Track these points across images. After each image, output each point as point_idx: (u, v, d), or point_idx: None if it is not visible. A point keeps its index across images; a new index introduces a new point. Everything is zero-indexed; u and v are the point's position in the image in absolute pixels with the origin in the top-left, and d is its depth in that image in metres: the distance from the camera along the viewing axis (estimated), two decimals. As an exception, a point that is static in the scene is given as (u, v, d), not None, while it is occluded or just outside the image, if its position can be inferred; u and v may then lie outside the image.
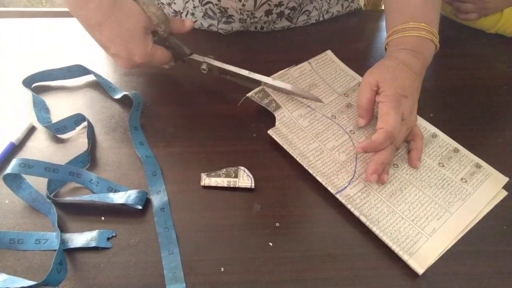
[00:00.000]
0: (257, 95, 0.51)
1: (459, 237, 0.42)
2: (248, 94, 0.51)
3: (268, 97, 0.52)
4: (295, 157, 0.47)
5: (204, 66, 0.54)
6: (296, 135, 0.49)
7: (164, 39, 0.53)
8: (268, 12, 0.63)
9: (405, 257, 0.40)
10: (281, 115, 0.51)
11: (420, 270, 0.39)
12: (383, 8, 0.97)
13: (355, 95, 0.56)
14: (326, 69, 0.59)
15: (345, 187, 0.45)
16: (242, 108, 0.53)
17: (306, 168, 0.46)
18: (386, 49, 0.54)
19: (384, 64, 0.50)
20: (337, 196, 0.44)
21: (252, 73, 0.52)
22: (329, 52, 0.61)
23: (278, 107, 0.51)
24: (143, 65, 0.52)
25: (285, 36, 0.67)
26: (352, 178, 0.46)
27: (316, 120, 0.51)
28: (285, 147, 0.47)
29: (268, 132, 0.49)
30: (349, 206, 0.43)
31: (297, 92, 0.51)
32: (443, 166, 0.48)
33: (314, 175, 0.45)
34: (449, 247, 0.41)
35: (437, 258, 0.40)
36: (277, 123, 0.50)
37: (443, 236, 0.42)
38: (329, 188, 0.44)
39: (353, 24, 0.71)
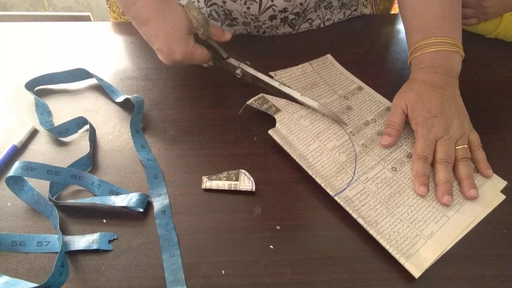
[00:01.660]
0: (256, 102, 0.52)
1: (457, 240, 0.42)
2: (248, 102, 0.52)
3: (267, 102, 0.52)
4: (294, 158, 0.47)
5: (238, 71, 0.55)
6: (296, 136, 0.49)
7: (203, 41, 0.55)
8: (272, 17, 0.64)
9: (402, 260, 0.40)
10: (281, 117, 0.51)
11: (416, 273, 0.39)
12: (391, 12, 0.98)
13: (354, 99, 0.56)
14: (327, 71, 0.60)
15: (344, 189, 0.45)
16: (243, 111, 0.53)
17: (306, 169, 0.46)
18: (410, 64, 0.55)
19: (408, 88, 0.51)
20: (336, 198, 0.44)
21: (282, 85, 0.53)
22: (329, 56, 0.62)
23: (278, 110, 0.51)
24: (183, 62, 0.54)
25: (286, 40, 0.67)
26: (351, 180, 0.46)
27: (317, 120, 0.52)
28: (285, 148, 0.48)
29: (269, 132, 0.49)
30: (347, 208, 0.43)
31: (323, 111, 0.51)
32: None
33: (313, 176, 0.45)
34: (446, 250, 0.41)
35: (434, 262, 0.40)
36: (277, 124, 0.50)
37: (441, 239, 0.42)
38: (328, 190, 0.44)
39: (354, 28, 0.71)
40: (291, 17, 0.65)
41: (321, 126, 0.51)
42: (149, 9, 0.50)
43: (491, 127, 0.54)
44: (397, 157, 0.49)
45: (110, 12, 0.91)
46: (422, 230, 0.43)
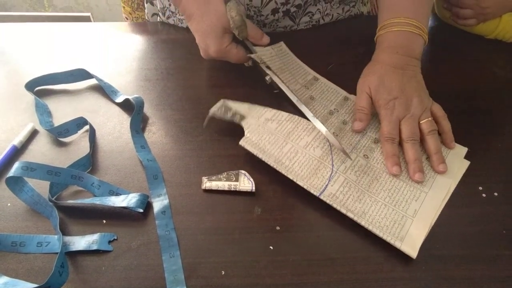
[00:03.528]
0: (219, 111, 0.51)
1: (439, 212, 0.44)
2: (210, 112, 0.50)
3: (230, 110, 0.51)
4: (271, 164, 0.46)
5: (267, 78, 0.55)
6: (267, 141, 0.49)
7: (240, 41, 0.56)
8: (274, 11, 0.65)
9: (397, 244, 0.41)
10: (248, 124, 0.50)
11: (413, 253, 0.40)
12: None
13: (314, 89, 0.57)
14: (285, 58, 0.60)
15: (326, 186, 0.45)
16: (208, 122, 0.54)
17: (285, 174, 0.45)
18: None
19: (370, 71, 0.54)
20: (321, 197, 0.44)
21: (299, 102, 0.52)
22: (282, 43, 0.61)
23: (242, 117, 0.50)
24: (218, 58, 0.57)
25: (286, 39, 0.67)
26: (331, 173, 0.46)
27: (284, 120, 0.51)
28: (259, 156, 0.47)
29: (240, 143, 0.48)
30: (334, 205, 0.43)
31: (329, 137, 0.49)
32: None
33: (294, 180, 0.45)
34: (433, 223, 0.43)
35: (424, 238, 0.42)
36: (246, 132, 0.49)
37: (425, 215, 0.44)
38: (311, 191, 0.44)
39: (354, 28, 0.72)
40: (292, 9, 0.66)
41: (289, 126, 0.51)
42: (191, 5, 0.55)
43: (490, 128, 0.54)
44: (366, 144, 0.50)
45: (123, 6, 0.90)
46: (406, 210, 0.44)
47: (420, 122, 0.49)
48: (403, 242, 0.41)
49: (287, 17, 0.67)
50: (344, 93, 0.57)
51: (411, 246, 0.41)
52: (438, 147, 0.48)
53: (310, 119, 0.51)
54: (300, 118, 0.51)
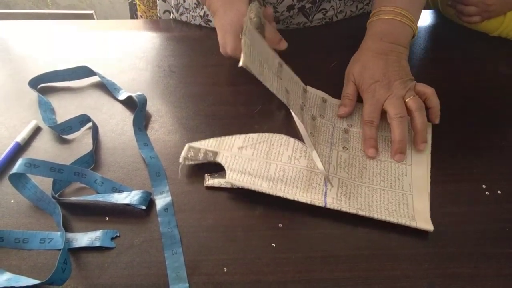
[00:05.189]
0: (189, 155, 0.47)
1: (429, 180, 0.46)
2: (181, 160, 0.47)
3: (199, 150, 0.48)
4: (267, 192, 0.44)
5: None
6: (251, 168, 0.47)
7: None
8: (290, 7, 0.65)
9: (413, 224, 0.42)
10: (224, 159, 0.47)
11: (430, 227, 0.41)
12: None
13: (283, 77, 0.51)
14: (256, 43, 0.49)
15: (326, 193, 0.44)
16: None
17: (283, 197, 0.44)
18: None
19: (355, 59, 0.56)
20: (328, 206, 0.43)
21: (305, 132, 0.48)
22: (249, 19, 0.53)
23: (215, 154, 0.48)
24: (233, 57, 0.56)
25: (298, 36, 0.67)
26: (325, 179, 0.46)
27: (256, 142, 0.49)
28: (251, 188, 0.44)
29: (227, 180, 0.45)
30: (343, 209, 0.43)
31: (316, 162, 0.47)
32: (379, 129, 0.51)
33: (296, 199, 0.44)
34: (429, 190, 0.45)
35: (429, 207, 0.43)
36: (226, 169, 0.46)
37: (420, 185, 0.45)
38: (316, 204, 0.43)
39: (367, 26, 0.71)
40: (307, 6, 0.66)
41: (264, 146, 0.49)
42: (216, 2, 0.56)
43: (494, 126, 0.54)
44: (339, 136, 0.51)
45: (138, 5, 0.90)
46: (402, 187, 0.45)
47: (406, 100, 0.50)
48: (417, 221, 0.42)
49: (301, 13, 0.68)
50: (301, 84, 0.55)
51: (424, 221, 0.42)
52: (425, 125, 0.49)
53: (311, 151, 0.48)
54: (270, 134, 0.50)
